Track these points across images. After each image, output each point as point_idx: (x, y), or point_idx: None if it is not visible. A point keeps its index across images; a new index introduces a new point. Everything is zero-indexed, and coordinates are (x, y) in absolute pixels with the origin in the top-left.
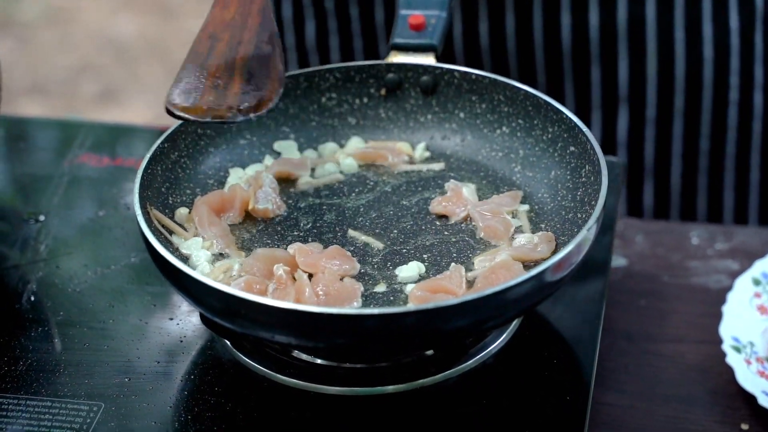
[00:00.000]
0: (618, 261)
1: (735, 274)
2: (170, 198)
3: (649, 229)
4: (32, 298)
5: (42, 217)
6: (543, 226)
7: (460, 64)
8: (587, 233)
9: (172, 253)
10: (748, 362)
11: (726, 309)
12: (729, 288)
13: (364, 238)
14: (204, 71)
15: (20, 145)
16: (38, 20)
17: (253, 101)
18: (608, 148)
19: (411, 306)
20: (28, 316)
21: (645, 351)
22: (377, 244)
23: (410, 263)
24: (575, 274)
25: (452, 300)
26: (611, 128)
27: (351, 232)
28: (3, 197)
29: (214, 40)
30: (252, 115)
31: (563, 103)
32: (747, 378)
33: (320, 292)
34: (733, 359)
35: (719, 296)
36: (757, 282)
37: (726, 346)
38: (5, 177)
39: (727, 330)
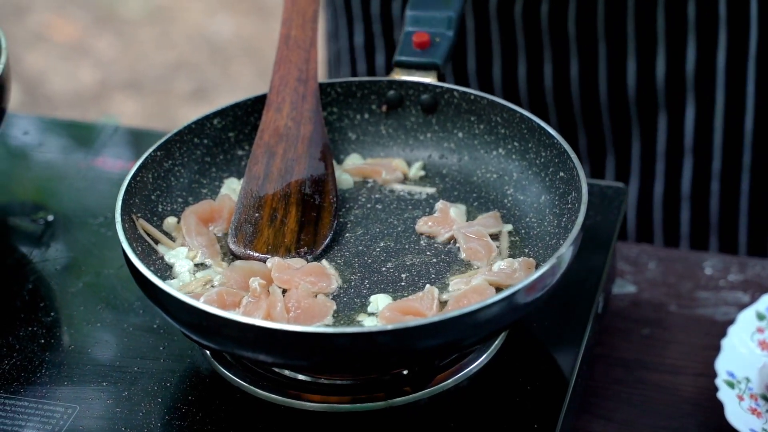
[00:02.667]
0: (626, 287)
1: (744, 307)
2: (160, 206)
3: (663, 256)
4: (27, 298)
5: (51, 218)
6: (527, 251)
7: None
8: (557, 260)
9: (153, 262)
10: (741, 398)
11: (725, 342)
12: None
13: (331, 271)
14: (261, 201)
15: (40, 145)
16: (140, 17)
17: (309, 240)
18: (672, 199)
19: (375, 326)
20: (20, 315)
21: (640, 380)
22: (338, 281)
23: (379, 296)
24: (548, 298)
25: (417, 321)
26: (676, 178)
27: (324, 263)
28: (16, 195)
29: (269, 156)
30: (308, 257)
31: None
32: (736, 414)
33: (291, 308)
34: (724, 394)
35: (724, 329)
36: (761, 317)
37: (719, 381)
38: (22, 175)
39: (723, 364)
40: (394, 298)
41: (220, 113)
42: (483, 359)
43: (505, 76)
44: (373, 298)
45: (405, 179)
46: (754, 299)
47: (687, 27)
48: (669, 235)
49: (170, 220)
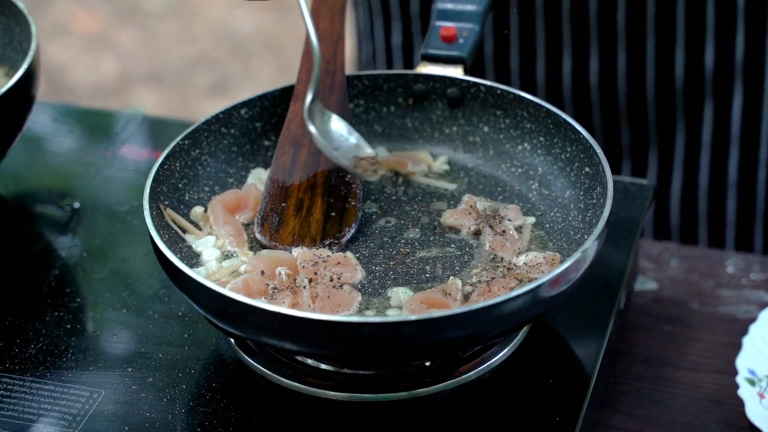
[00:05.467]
0: (648, 284)
1: (765, 306)
2: (187, 194)
3: (685, 254)
4: (53, 284)
5: (77, 205)
6: (551, 245)
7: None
8: (582, 254)
9: (179, 250)
10: (761, 396)
11: (746, 340)
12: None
13: (356, 262)
14: (287, 192)
15: (68, 133)
16: (162, 11)
17: (334, 230)
18: (718, 190)
19: (400, 315)
20: (47, 300)
21: (661, 377)
22: (363, 272)
23: (399, 289)
24: (571, 293)
25: (442, 312)
26: (722, 169)
27: (349, 254)
28: (43, 182)
29: (296, 147)
30: (333, 248)
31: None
32: (757, 412)
33: (317, 298)
34: (745, 392)
35: (746, 327)
36: None
37: (740, 378)
38: (49, 163)
39: (744, 362)
40: (418, 290)
41: (248, 103)
42: (506, 352)
43: (549, 74)
44: (392, 291)
45: (430, 172)
46: None
47: (736, 14)
48: (714, 225)
49: (197, 210)
